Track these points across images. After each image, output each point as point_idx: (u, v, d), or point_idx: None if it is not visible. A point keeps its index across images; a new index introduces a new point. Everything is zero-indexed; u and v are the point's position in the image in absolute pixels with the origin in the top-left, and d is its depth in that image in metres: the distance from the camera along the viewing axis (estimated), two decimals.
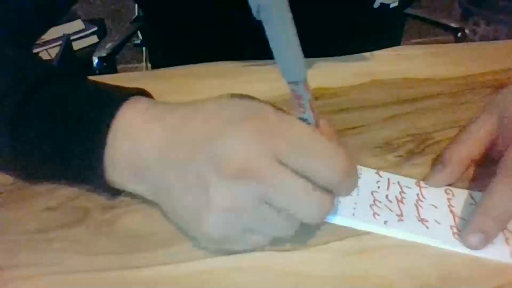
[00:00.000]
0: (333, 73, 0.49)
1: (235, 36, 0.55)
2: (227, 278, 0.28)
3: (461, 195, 0.34)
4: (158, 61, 0.72)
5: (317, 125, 0.28)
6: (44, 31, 0.48)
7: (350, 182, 0.27)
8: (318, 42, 0.53)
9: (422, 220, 0.31)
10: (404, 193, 0.34)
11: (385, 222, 0.31)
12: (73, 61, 1.43)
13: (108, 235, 0.31)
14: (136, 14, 1.08)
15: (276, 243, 0.30)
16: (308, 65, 0.50)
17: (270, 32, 0.22)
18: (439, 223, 0.31)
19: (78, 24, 1.57)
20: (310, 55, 0.51)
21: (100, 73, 0.82)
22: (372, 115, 0.42)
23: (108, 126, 0.29)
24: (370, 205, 0.32)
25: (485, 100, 0.45)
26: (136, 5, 1.07)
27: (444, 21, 0.84)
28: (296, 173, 0.26)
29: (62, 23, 1.48)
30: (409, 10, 0.79)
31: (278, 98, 0.45)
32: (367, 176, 0.35)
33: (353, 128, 0.41)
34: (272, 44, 0.23)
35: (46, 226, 0.31)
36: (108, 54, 0.82)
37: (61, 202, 0.33)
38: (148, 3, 0.61)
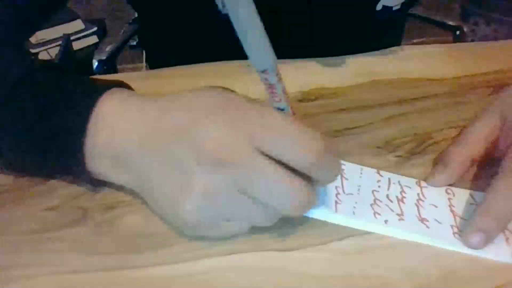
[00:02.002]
0: (333, 73, 0.49)
1: (232, 35, 0.55)
2: (227, 278, 0.28)
3: (461, 195, 0.34)
4: (155, 64, 0.72)
5: (293, 113, 0.28)
6: (39, 25, 0.48)
7: (327, 165, 0.27)
8: (318, 42, 0.53)
9: (422, 220, 0.31)
10: (404, 192, 0.34)
11: (385, 222, 0.31)
12: (73, 61, 1.43)
13: (108, 235, 0.31)
14: (136, 14, 1.08)
15: (276, 243, 0.30)
16: (308, 65, 0.50)
17: (236, 24, 0.23)
18: (439, 222, 0.31)
19: (78, 24, 1.57)
20: (310, 55, 0.51)
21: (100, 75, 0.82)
22: (372, 115, 0.42)
23: (88, 115, 0.30)
24: (371, 205, 0.32)
25: (485, 100, 0.45)
26: None
27: (444, 21, 0.84)
28: (274, 162, 0.26)
29: (62, 23, 1.48)
30: (408, 10, 0.79)
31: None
32: (367, 175, 0.35)
33: (353, 128, 0.41)
34: (240, 36, 0.24)
35: (46, 226, 0.31)
36: (107, 57, 0.82)
37: (61, 202, 0.33)
38: (143, 5, 0.61)
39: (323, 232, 0.31)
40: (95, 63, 0.82)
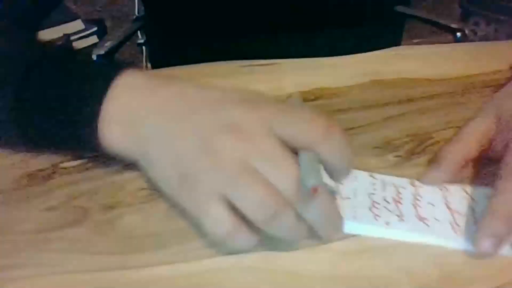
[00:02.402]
0: (333, 73, 0.49)
1: (236, 34, 0.55)
2: (227, 278, 0.28)
3: (455, 191, 0.34)
4: (159, 61, 0.72)
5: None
6: (50, 10, 0.49)
7: (332, 142, 0.28)
8: (318, 42, 0.53)
9: (422, 219, 0.31)
10: (400, 193, 0.34)
11: (387, 223, 0.31)
12: None
13: (108, 235, 0.31)
14: (137, 14, 1.08)
15: (276, 243, 0.30)
16: (308, 65, 0.50)
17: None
18: (438, 220, 0.31)
19: (78, 24, 1.57)
20: (310, 55, 0.51)
21: None
22: (372, 115, 0.42)
23: (111, 80, 0.31)
24: (370, 208, 0.32)
25: (485, 100, 0.45)
26: (136, 5, 1.07)
27: (444, 21, 0.83)
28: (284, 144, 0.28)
29: (62, 23, 1.48)
30: (409, 11, 0.79)
31: (278, 98, 0.45)
32: (361, 179, 0.35)
33: (353, 128, 0.41)
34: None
35: (46, 226, 0.31)
36: (107, 52, 0.81)
37: (61, 202, 0.33)
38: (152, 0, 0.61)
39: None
40: (94, 58, 0.82)
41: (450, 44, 0.65)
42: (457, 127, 0.41)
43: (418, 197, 0.33)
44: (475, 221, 0.31)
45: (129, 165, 0.36)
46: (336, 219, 0.29)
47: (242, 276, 0.28)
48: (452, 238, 0.30)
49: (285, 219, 0.27)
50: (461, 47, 0.64)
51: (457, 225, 0.31)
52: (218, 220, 0.27)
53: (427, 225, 0.31)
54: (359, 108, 0.43)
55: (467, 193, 0.34)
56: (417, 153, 0.38)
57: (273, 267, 0.29)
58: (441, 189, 0.34)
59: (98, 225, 0.31)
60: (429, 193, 0.34)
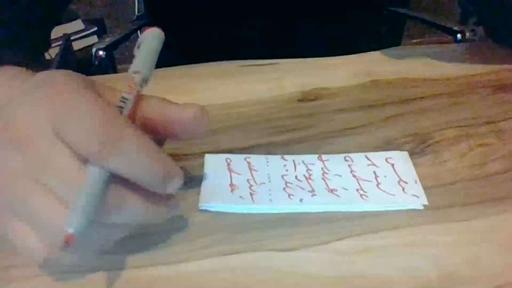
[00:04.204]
0: (333, 73, 0.49)
1: (236, 35, 0.55)
2: (227, 278, 0.28)
3: (358, 159, 0.37)
4: (159, 61, 0.72)
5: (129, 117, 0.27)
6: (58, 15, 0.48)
7: (119, 150, 0.23)
8: (319, 42, 0.53)
9: (332, 191, 0.34)
10: (310, 170, 0.36)
11: (300, 200, 0.33)
12: (73, 61, 1.43)
13: None
14: (137, 14, 1.08)
15: (276, 243, 0.30)
16: (308, 65, 0.50)
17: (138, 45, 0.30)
18: (346, 189, 0.34)
19: (78, 24, 1.57)
20: (310, 55, 0.51)
21: (99, 67, 0.82)
22: (372, 115, 0.42)
23: None
24: (284, 188, 0.34)
25: (485, 100, 0.45)
26: (136, 5, 1.07)
27: (444, 23, 0.83)
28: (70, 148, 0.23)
29: (62, 23, 1.48)
30: (409, 12, 0.79)
31: (278, 98, 0.45)
32: (273, 162, 0.37)
33: (353, 128, 0.41)
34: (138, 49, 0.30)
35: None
36: (107, 46, 0.81)
37: None
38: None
39: (323, 232, 0.31)
40: (93, 50, 0.81)
41: (450, 44, 0.65)
42: (457, 127, 0.41)
43: (326, 171, 0.36)
44: (378, 184, 0.34)
45: None
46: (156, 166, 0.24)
47: (242, 276, 0.28)
48: (360, 203, 0.33)
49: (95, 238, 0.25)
50: (461, 47, 0.64)
51: (363, 190, 0.34)
52: (29, 248, 0.25)
53: (337, 195, 0.33)
54: (359, 108, 0.43)
55: (369, 159, 0.37)
56: (417, 153, 0.38)
57: (273, 267, 0.29)
58: (346, 160, 0.37)
59: None
60: (335, 165, 0.36)
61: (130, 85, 0.28)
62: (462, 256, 0.29)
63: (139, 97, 0.28)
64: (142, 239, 0.30)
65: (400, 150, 0.38)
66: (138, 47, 0.30)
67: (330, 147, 0.38)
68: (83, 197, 0.23)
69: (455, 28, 0.79)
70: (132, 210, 0.25)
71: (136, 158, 0.24)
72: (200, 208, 0.33)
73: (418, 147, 0.39)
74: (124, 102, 0.27)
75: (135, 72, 0.29)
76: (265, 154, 0.37)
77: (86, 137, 0.23)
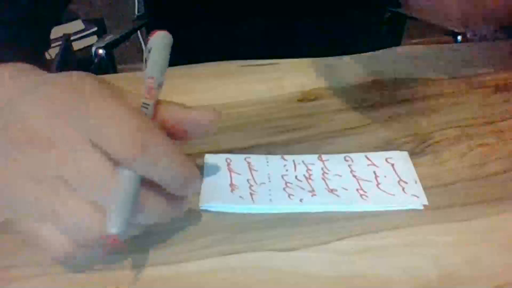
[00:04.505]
0: (333, 73, 0.49)
1: (236, 35, 0.55)
2: (227, 278, 0.28)
3: (358, 159, 0.37)
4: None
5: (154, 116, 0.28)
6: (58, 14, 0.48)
7: (146, 163, 0.24)
8: (319, 42, 0.53)
9: (332, 191, 0.34)
10: (310, 170, 0.36)
11: (300, 200, 0.33)
12: (73, 61, 1.43)
13: None
14: (137, 13, 1.08)
15: (276, 243, 0.30)
16: (308, 65, 0.50)
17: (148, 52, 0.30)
18: (346, 189, 0.34)
19: (78, 24, 1.57)
20: (310, 55, 0.51)
21: (99, 66, 0.82)
22: (372, 115, 0.42)
23: None
24: (284, 189, 0.34)
25: (485, 100, 0.45)
26: (136, 5, 1.07)
27: (444, 25, 0.83)
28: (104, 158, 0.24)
29: (62, 23, 1.48)
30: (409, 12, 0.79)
31: (278, 98, 0.45)
32: (273, 162, 0.37)
33: (353, 128, 0.41)
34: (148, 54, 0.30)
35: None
36: (107, 45, 0.81)
37: None
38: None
39: (323, 232, 0.31)
40: (93, 49, 0.81)
41: (450, 45, 0.65)
42: (457, 127, 0.41)
43: (326, 171, 0.36)
44: (378, 184, 0.34)
45: None
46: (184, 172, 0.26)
47: (242, 276, 0.28)
48: (360, 204, 0.33)
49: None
50: (461, 47, 0.64)
51: (363, 190, 0.34)
52: (53, 247, 0.26)
53: (337, 195, 0.33)
54: (359, 108, 0.43)
55: (369, 159, 0.37)
56: (417, 153, 0.38)
57: (273, 267, 0.29)
58: (346, 160, 0.37)
59: None
60: (335, 165, 0.36)
61: (150, 92, 0.28)
62: (462, 256, 0.29)
63: (157, 102, 0.28)
64: (142, 239, 0.30)
65: (400, 150, 0.38)
66: (149, 51, 0.30)
67: (330, 147, 0.38)
68: (122, 199, 0.24)
69: (456, 30, 0.79)
70: (154, 211, 0.26)
71: (166, 163, 0.25)
72: (200, 208, 0.33)
73: (418, 147, 0.39)
74: (146, 108, 0.27)
75: (151, 77, 0.29)
76: (265, 154, 0.37)
77: (122, 142, 0.24)
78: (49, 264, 0.29)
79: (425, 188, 0.34)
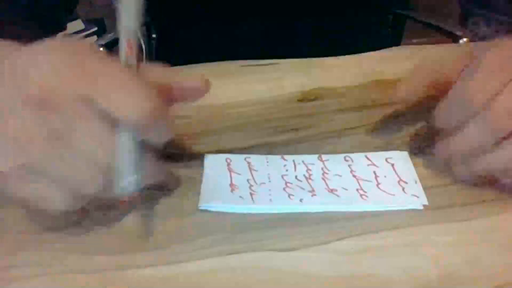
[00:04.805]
0: (333, 73, 0.49)
1: (236, 35, 0.55)
2: (227, 278, 0.28)
3: (359, 159, 0.37)
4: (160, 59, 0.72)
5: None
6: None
7: (152, 120, 0.26)
8: (319, 42, 0.53)
9: (332, 191, 0.34)
10: (310, 170, 0.36)
11: (300, 200, 0.33)
12: None
13: (108, 235, 0.31)
14: None
15: (276, 243, 0.30)
16: (308, 65, 0.50)
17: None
18: (346, 189, 0.34)
19: (78, 24, 1.57)
20: (310, 55, 0.51)
21: None
22: (372, 115, 0.42)
23: None
24: (284, 189, 0.34)
25: None
26: None
27: (444, 25, 0.83)
28: (103, 118, 0.25)
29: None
30: (409, 13, 0.79)
31: (278, 98, 0.45)
32: (273, 162, 0.37)
33: (353, 128, 0.41)
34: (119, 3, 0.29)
35: (46, 226, 0.31)
36: (107, 43, 0.81)
37: None
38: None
39: (323, 232, 0.31)
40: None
41: (451, 45, 0.65)
42: None
43: (326, 171, 0.36)
44: (378, 184, 0.34)
45: None
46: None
47: (242, 276, 0.28)
48: (360, 204, 0.33)
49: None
50: (461, 47, 0.64)
51: (363, 190, 0.34)
52: (53, 203, 0.27)
53: (337, 195, 0.33)
54: (359, 108, 0.43)
55: (369, 159, 0.37)
56: (417, 153, 0.38)
57: (273, 267, 0.29)
58: (346, 160, 0.37)
59: (98, 225, 0.31)
60: (335, 165, 0.36)
61: (130, 49, 0.28)
62: (462, 256, 0.29)
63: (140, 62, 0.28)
64: (142, 239, 0.30)
65: (400, 150, 0.38)
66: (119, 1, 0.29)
67: (330, 147, 0.38)
68: (127, 160, 0.26)
69: (457, 32, 0.79)
70: (153, 170, 0.29)
71: (165, 127, 0.27)
72: (200, 208, 0.33)
73: (418, 147, 0.39)
74: (129, 66, 0.27)
75: (128, 30, 0.28)
76: (265, 154, 0.37)
77: (132, 108, 0.25)
78: (49, 264, 0.29)
79: (425, 188, 0.34)
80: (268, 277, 0.28)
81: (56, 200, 0.27)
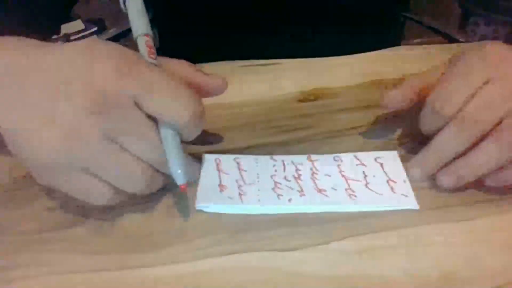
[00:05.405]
0: (334, 73, 0.49)
1: (236, 35, 0.55)
2: (227, 278, 0.28)
3: (348, 159, 0.37)
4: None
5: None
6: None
7: (198, 126, 0.30)
8: (319, 42, 0.53)
9: (320, 191, 0.34)
10: (299, 170, 0.36)
11: (289, 200, 0.33)
12: None
13: (108, 235, 0.31)
14: None
15: (276, 243, 0.30)
16: (308, 65, 0.50)
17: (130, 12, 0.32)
18: (335, 189, 0.34)
19: (78, 24, 1.57)
20: (310, 55, 0.51)
21: None
22: (372, 115, 0.42)
23: None
24: (272, 189, 0.34)
25: None
26: None
27: (444, 30, 0.83)
28: (149, 116, 0.28)
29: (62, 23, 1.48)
30: (409, 14, 0.79)
31: (278, 98, 0.45)
32: (263, 163, 0.37)
33: (353, 128, 0.41)
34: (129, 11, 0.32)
35: (46, 226, 0.31)
36: (108, 39, 0.81)
37: (61, 202, 0.33)
38: None
39: (323, 232, 0.31)
40: None
41: (450, 45, 0.65)
42: None
43: (316, 171, 0.36)
44: (366, 184, 0.34)
45: None
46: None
47: (242, 276, 0.28)
48: (348, 203, 0.33)
49: (156, 185, 0.31)
50: (461, 47, 0.64)
51: (352, 190, 0.34)
52: (100, 196, 0.29)
53: (325, 195, 0.33)
54: (359, 108, 0.43)
55: (358, 159, 0.37)
56: (416, 153, 0.38)
57: (273, 267, 0.29)
58: (335, 160, 0.37)
59: (98, 225, 0.31)
60: (324, 165, 0.36)
61: (151, 49, 0.30)
62: (462, 256, 0.29)
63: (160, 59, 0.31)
64: (142, 240, 0.30)
65: (400, 150, 0.38)
66: (124, 3, 0.32)
67: (330, 147, 0.38)
68: (177, 154, 0.29)
69: (458, 37, 0.79)
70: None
71: (201, 126, 0.31)
72: (197, 208, 0.33)
73: (418, 147, 0.38)
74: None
75: (145, 35, 0.31)
76: (265, 154, 0.37)
77: (178, 109, 0.28)
78: (49, 264, 0.29)
79: (424, 188, 0.34)
80: (268, 277, 0.28)
81: (101, 195, 0.29)
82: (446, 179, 0.33)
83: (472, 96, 0.32)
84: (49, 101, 0.27)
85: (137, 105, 0.28)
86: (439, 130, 0.33)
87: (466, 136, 0.32)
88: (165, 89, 0.28)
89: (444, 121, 0.33)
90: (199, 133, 0.31)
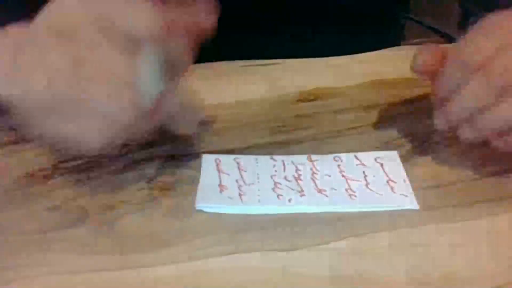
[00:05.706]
0: (333, 73, 0.49)
1: (237, 35, 0.55)
2: (227, 278, 0.28)
3: (348, 159, 0.37)
4: None
5: None
6: None
7: (169, 41, 0.28)
8: (318, 42, 0.53)
9: (320, 191, 0.34)
10: (299, 170, 0.36)
11: (289, 201, 0.33)
12: None
13: (108, 235, 0.31)
14: None
15: (276, 243, 0.30)
16: (308, 65, 0.50)
17: None
18: (335, 190, 0.34)
19: None
20: (310, 54, 0.51)
21: None
22: (372, 115, 0.42)
23: None
24: (272, 189, 0.34)
25: None
26: None
27: (444, 30, 0.83)
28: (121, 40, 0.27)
29: None
30: (410, 15, 0.79)
31: (278, 98, 0.45)
32: (263, 163, 0.36)
33: (353, 128, 0.41)
34: None
35: (46, 226, 0.31)
36: None
37: (61, 202, 0.33)
38: None
39: (323, 232, 0.31)
40: None
41: (450, 45, 0.64)
42: None
43: (316, 171, 0.36)
44: (366, 184, 0.34)
45: (129, 165, 0.36)
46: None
47: (242, 276, 0.28)
48: (349, 204, 0.33)
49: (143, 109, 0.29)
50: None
51: (352, 190, 0.34)
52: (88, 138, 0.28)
53: (325, 195, 0.33)
54: (359, 108, 0.43)
55: (358, 159, 0.37)
56: (417, 153, 0.38)
57: (273, 267, 0.29)
58: (335, 160, 0.37)
59: (98, 225, 0.31)
60: (324, 165, 0.36)
61: None
62: (462, 256, 0.29)
63: None
64: (142, 240, 0.30)
65: (400, 150, 0.38)
66: None
67: (330, 147, 0.38)
68: (155, 75, 0.28)
69: (458, 37, 0.79)
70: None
71: (181, 40, 0.29)
72: (197, 208, 0.33)
73: (418, 147, 0.39)
74: None
75: None
76: (265, 154, 0.37)
77: (147, 21, 0.27)
78: (49, 264, 0.29)
79: (424, 188, 0.34)
80: (268, 277, 0.28)
81: (93, 136, 0.28)
82: (468, 131, 0.33)
83: (498, 50, 0.32)
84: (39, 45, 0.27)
85: (105, 25, 0.27)
86: (458, 88, 0.33)
87: (493, 87, 0.31)
88: (129, 5, 0.27)
89: (469, 72, 0.32)
90: (181, 48, 0.30)
